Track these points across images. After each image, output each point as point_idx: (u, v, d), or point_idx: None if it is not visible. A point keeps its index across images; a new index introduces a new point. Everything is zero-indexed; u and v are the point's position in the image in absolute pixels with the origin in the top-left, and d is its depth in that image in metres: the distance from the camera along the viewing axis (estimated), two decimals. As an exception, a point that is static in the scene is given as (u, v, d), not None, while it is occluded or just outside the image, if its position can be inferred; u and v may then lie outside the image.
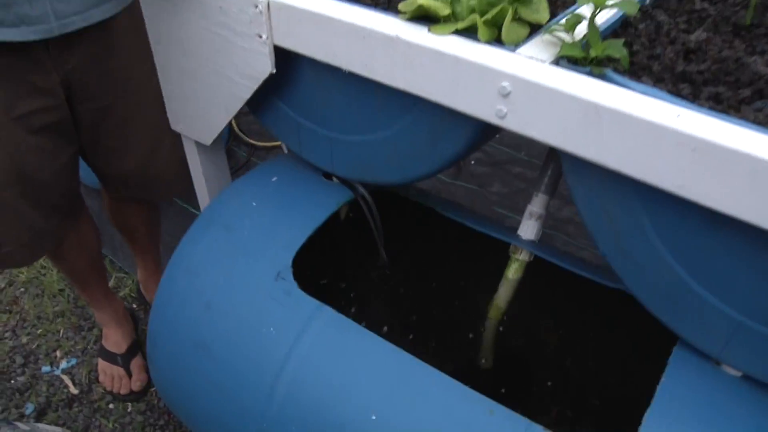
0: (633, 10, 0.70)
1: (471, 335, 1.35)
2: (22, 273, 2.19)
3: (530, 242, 1.02)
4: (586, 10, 0.73)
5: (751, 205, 0.61)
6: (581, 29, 0.75)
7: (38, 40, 1.10)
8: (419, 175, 0.94)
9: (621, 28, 0.83)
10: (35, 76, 1.15)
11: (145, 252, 1.82)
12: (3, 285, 2.17)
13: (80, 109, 1.24)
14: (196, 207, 2.20)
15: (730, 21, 0.90)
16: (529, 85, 0.68)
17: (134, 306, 2.05)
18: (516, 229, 1.04)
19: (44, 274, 2.18)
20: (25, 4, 1.05)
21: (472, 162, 2.31)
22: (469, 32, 0.75)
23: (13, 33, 1.07)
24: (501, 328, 1.13)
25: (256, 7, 0.88)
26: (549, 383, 1.31)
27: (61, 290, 2.13)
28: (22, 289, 2.15)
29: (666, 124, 0.62)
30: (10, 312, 2.08)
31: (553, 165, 0.97)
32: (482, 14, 0.74)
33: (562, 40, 0.73)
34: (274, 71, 0.93)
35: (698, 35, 0.84)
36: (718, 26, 0.89)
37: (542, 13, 0.77)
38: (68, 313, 2.05)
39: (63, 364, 1.91)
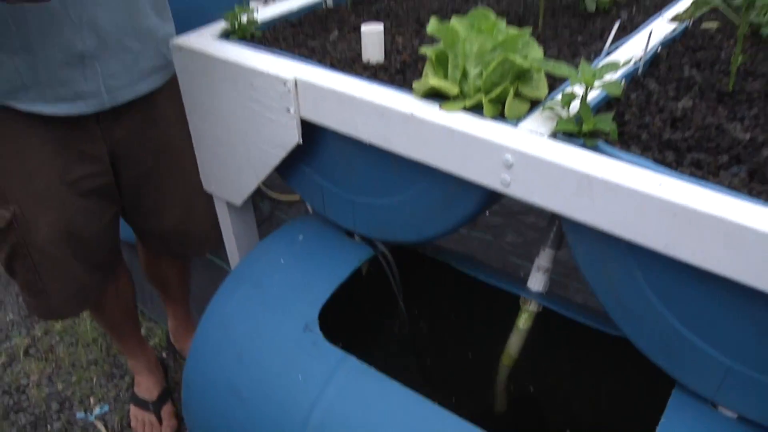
0: (617, 91, 0.79)
1: (485, 381, 1.42)
2: (58, 323, 2.29)
3: (539, 294, 1.10)
4: (579, 89, 0.82)
5: (727, 261, 0.68)
6: (576, 104, 0.84)
7: (91, 113, 1.21)
8: (435, 235, 1.03)
9: (615, 99, 0.92)
10: (86, 145, 1.26)
11: (176, 303, 1.91)
12: (40, 334, 2.27)
13: (124, 173, 1.36)
14: (223, 259, 2.31)
15: (714, 88, 0.99)
16: (529, 157, 0.77)
17: (164, 355, 2.13)
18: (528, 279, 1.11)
19: (78, 324, 2.28)
20: (81, 82, 1.18)
21: (487, 213, 2.40)
22: (476, 108, 0.84)
23: (70, 107, 1.19)
24: (513, 375, 1.20)
25: (285, 84, 0.98)
26: (559, 425, 1.37)
27: (95, 339, 2.22)
28: (58, 338, 2.25)
29: (649, 192, 0.70)
30: (46, 360, 2.17)
31: (557, 223, 1.05)
32: (487, 93, 0.84)
33: (559, 115, 0.82)
34: (301, 142, 1.02)
35: (684, 103, 0.93)
36: (703, 93, 0.97)
37: (541, 90, 0.86)
38: (101, 362, 2.14)
39: (96, 411, 1.99)
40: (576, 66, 0.92)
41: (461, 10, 1.30)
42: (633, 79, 1.01)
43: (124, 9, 1.20)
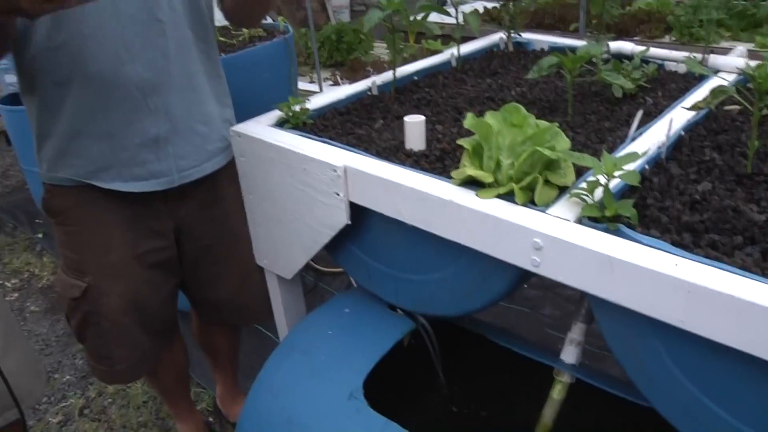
0: (635, 181, 0.87)
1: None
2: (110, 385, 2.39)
3: (572, 365, 1.16)
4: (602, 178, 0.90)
5: (740, 336, 0.75)
6: (600, 191, 0.92)
7: (161, 191, 1.34)
8: (473, 309, 1.11)
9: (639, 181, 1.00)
10: (155, 221, 1.39)
11: (224, 370, 2.00)
12: (94, 395, 2.38)
13: (186, 247, 1.47)
14: (269, 328, 2.40)
15: (734, 170, 1.06)
16: (557, 241, 0.85)
17: (210, 419, 2.20)
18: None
19: (130, 387, 2.37)
20: (155, 162, 1.31)
21: (525, 286, 2.46)
22: (509, 195, 0.93)
23: (144, 185, 1.32)
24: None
25: (335, 171, 1.08)
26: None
27: (145, 402, 2.31)
28: (110, 400, 2.34)
29: (665, 272, 0.77)
30: (99, 420, 2.26)
31: (588, 299, 1.12)
32: (518, 181, 0.92)
33: (585, 201, 0.90)
34: (350, 222, 1.12)
35: (704, 186, 1.00)
36: (723, 175, 1.04)
37: (569, 177, 0.95)
38: (150, 424, 2.22)
39: (146, 473, 2.07)
40: (600, 154, 1.01)
41: (495, 97, 1.40)
42: (657, 163, 1.09)
43: (193, 97, 1.33)
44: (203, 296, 1.60)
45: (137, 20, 1.22)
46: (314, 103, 1.37)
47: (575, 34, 5.70)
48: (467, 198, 0.94)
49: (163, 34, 1.25)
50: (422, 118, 1.13)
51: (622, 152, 1.09)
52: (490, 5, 6.97)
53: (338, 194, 1.10)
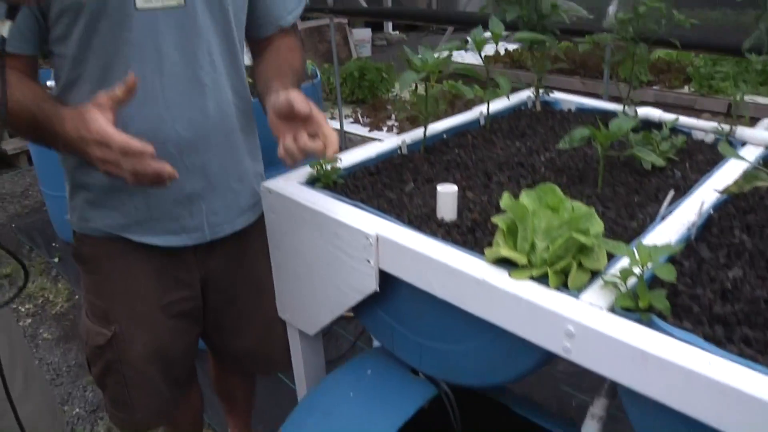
0: (671, 276, 0.87)
1: None
2: (120, 424, 2.39)
3: (593, 441, 1.15)
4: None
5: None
6: (633, 279, 0.92)
7: (192, 245, 1.35)
8: (497, 383, 1.11)
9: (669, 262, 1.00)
10: (182, 272, 1.40)
11: (238, 416, 2.00)
12: (103, 431, 2.37)
13: (210, 297, 1.48)
14: (286, 375, 2.39)
15: (764, 255, 1.06)
16: (590, 330, 0.85)
17: (220, 462, 2.20)
18: (582, 409, 1.17)
19: (140, 427, 2.37)
20: (188, 218, 1.33)
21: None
22: (542, 277, 0.94)
23: (175, 240, 1.34)
24: None
25: (367, 239, 1.09)
26: None
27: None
28: (119, 439, 2.34)
29: (699, 370, 0.77)
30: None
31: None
32: (552, 264, 0.93)
33: (618, 288, 0.91)
34: (378, 290, 1.13)
35: (735, 272, 1.00)
36: (753, 261, 1.04)
37: (601, 262, 0.95)
38: (159, 465, 2.22)
39: None
40: (631, 231, 1.02)
41: (525, 163, 1.41)
42: (687, 244, 1.09)
43: (229, 155, 1.36)
44: (225, 345, 1.61)
45: (180, 80, 1.25)
46: (345, 160, 1.38)
47: (597, 79, 5.74)
48: (500, 278, 0.95)
49: (204, 94, 1.28)
50: (455, 188, 1.14)
51: (653, 232, 1.10)
52: (511, 47, 7.04)
53: (369, 261, 1.11)
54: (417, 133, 1.54)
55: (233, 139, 1.36)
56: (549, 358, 1.02)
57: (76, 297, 3.37)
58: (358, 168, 1.39)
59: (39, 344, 2.98)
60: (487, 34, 1.57)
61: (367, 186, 1.30)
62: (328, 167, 1.30)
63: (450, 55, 1.43)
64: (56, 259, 3.75)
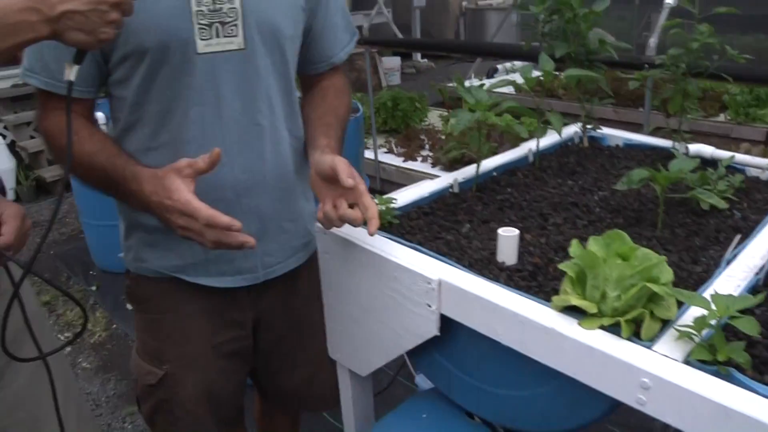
0: (754, 331, 0.85)
1: None
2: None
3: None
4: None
5: None
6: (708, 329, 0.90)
7: (245, 286, 1.35)
8: (557, 430, 1.08)
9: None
10: (235, 312, 1.40)
11: (282, 454, 1.98)
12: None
13: (261, 337, 1.48)
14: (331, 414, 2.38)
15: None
16: (666, 383, 0.83)
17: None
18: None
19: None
20: (242, 259, 1.33)
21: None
22: (610, 326, 0.92)
23: (229, 281, 1.34)
24: None
25: (429, 284, 1.08)
26: None
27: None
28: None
29: (787, 430, 0.75)
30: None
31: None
32: (624, 314, 0.91)
33: (692, 339, 0.88)
34: (439, 334, 1.11)
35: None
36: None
37: (672, 311, 0.93)
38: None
39: None
40: (695, 277, 1.00)
41: (579, 203, 1.39)
42: (755, 290, 1.07)
43: (284, 196, 1.36)
44: (272, 384, 1.60)
45: (238, 124, 1.26)
46: (399, 200, 1.38)
47: (630, 108, 5.70)
48: (570, 327, 0.93)
49: (261, 137, 1.29)
50: (516, 232, 1.13)
51: (719, 277, 1.07)
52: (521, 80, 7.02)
53: (430, 306, 1.09)
54: (466, 171, 1.53)
55: (288, 181, 1.37)
56: (615, 407, 1.00)
57: (114, 326, 3.38)
58: (411, 207, 1.38)
59: (78, 374, 2.99)
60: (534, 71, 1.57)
61: (422, 227, 1.29)
62: (383, 207, 1.30)
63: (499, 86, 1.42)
64: (94, 288, 3.77)
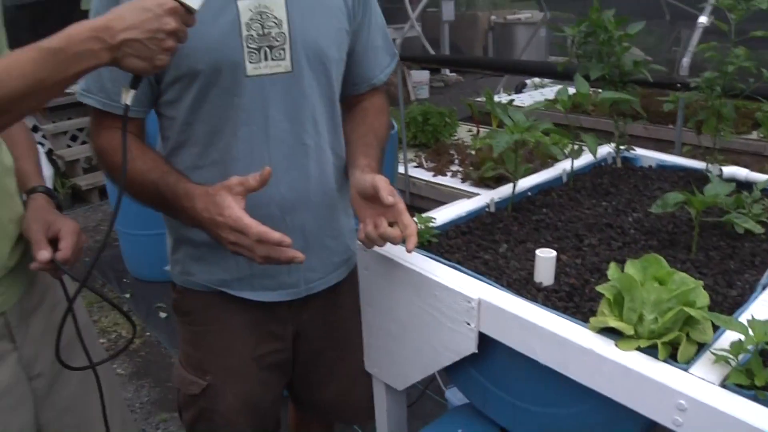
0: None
1: None
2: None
3: None
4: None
5: None
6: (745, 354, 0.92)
7: (287, 300, 1.40)
8: (593, 447, 1.11)
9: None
10: (276, 326, 1.44)
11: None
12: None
13: (300, 350, 1.52)
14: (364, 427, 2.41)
15: None
16: (702, 405, 0.85)
17: None
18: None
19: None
20: (285, 275, 1.37)
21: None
22: (647, 348, 0.94)
23: (272, 295, 1.39)
24: None
25: (469, 302, 1.11)
26: None
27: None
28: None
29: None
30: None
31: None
32: (660, 336, 0.93)
33: (729, 363, 0.91)
34: (476, 351, 1.14)
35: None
36: None
37: (708, 334, 0.96)
38: None
39: None
40: (730, 301, 1.02)
41: (614, 224, 1.42)
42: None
43: (327, 213, 1.40)
44: (309, 396, 1.64)
45: (285, 144, 1.30)
46: (437, 218, 1.41)
47: (660, 125, 5.68)
48: (607, 348, 0.96)
49: (307, 156, 1.33)
50: (554, 254, 1.16)
51: (755, 302, 1.09)
52: (550, 95, 7.01)
53: (469, 324, 1.13)
54: (502, 191, 1.56)
55: (331, 198, 1.41)
56: (651, 427, 1.02)
57: (147, 334, 3.45)
58: (449, 226, 1.42)
59: (112, 380, 3.05)
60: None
61: (461, 246, 1.32)
62: (422, 226, 1.33)
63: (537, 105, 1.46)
64: (128, 295, 3.85)
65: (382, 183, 1.20)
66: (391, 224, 1.20)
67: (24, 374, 1.31)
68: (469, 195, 4.14)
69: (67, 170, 5.68)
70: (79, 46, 1.00)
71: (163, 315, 3.59)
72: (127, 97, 1.11)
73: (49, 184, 5.23)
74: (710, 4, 2.95)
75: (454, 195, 4.38)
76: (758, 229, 1.27)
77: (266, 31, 1.25)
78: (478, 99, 6.19)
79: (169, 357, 3.24)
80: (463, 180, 4.49)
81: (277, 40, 1.27)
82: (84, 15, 1.14)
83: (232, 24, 1.23)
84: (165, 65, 1.06)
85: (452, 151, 5.02)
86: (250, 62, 1.25)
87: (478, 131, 5.57)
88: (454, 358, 1.19)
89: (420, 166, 4.90)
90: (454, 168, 4.72)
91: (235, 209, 1.15)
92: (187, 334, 1.46)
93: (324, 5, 1.33)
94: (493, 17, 11.01)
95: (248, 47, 1.24)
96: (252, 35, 1.24)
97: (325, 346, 1.54)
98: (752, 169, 1.72)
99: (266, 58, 1.26)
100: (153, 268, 3.76)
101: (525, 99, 7.26)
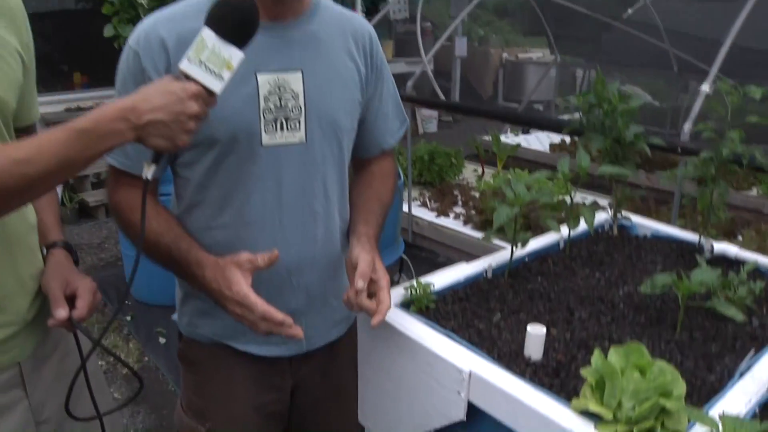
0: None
1: None
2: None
3: None
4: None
5: None
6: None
7: (289, 355, 1.46)
8: None
9: None
10: (277, 378, 1.50)
11: None
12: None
13: (298, 400, 1.58)
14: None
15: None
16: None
17: None
18: None
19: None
20: None
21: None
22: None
23: (274, 350, 1.45)
24: None
25: (461, 374, 1.17)
26: None
27: None
28: None
29: None
30: None
31: None
32: (637, 423, 1.00)
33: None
34: (465, 420, 1.20)
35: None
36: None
37: (682, 424, 1.02)
38: None
39: None
40: (711, 387, 1.09)
41: (605, 298, 1.48)
42: (766, 405, 1.15)
43: (331, 275, 1.47)
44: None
45: (296, 210, 1.37)
46: (437, 283, 1.48)
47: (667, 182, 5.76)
48: (587, 430, 1.02)
49: (315, 222, 1.40)
50: (543, 330, 1.22)
51: (732, 389, 1.15)
52: (556, 138, 7.07)
53: (459, 393, 1.19)
54: (499, 257, 1.63)
55: (335, 260, 1.48)
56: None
57: (146, 359, 3.50)
58: (447, 291, 1.48)
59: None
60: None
61: (457, 313, 1.39)
62: (421, 292, 1.40)
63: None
64: (129, 318, 3.90)
65: (362, 264, 1.30)
66: (371, 295, 1.29)
67: (32, 419, 1.36)
68: (470, 238, 4.25)
69: (75, 184, 5.76)
70: (107, 126, 1.06)
71: (162, 340, 3.64)
72: (149, 172, 1.15)
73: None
74: (714, 74, 3.03)
75: (455, 238, 4.46)
76: (739, 318, 1.34)
77: (283, 103, 1.32)
78: (486, 137, 6.28)
79: (166, 383, 3.29)
80: (465, 223, 4.57)
81: (293, 112, 1.34)
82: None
83: (251, 96, 1.30)
84: (186, 144, 1.12)
85: (456, 192, 5.10)
86: (266, 132, 1.32)
87: (483, 173, 5.65)
88: (444, 423, 1.25)
89: (424, 205, 4.97)
90: (458, 209, 4.80)
91: (242, 286, 1.23)
92: (191, 382, 1.52)
93: (340, 78, 1.40)
94: (504, 55, 11.14)
95: (265, 118, 1.31)
96: (269, 107, 1.31)
97: (323, 397, 1.59)
98: (752, 226, 1.79)
99: (282, 129, 1.33)
100: (155, 293, 3.82)
101: (531, 140, 7.37)
